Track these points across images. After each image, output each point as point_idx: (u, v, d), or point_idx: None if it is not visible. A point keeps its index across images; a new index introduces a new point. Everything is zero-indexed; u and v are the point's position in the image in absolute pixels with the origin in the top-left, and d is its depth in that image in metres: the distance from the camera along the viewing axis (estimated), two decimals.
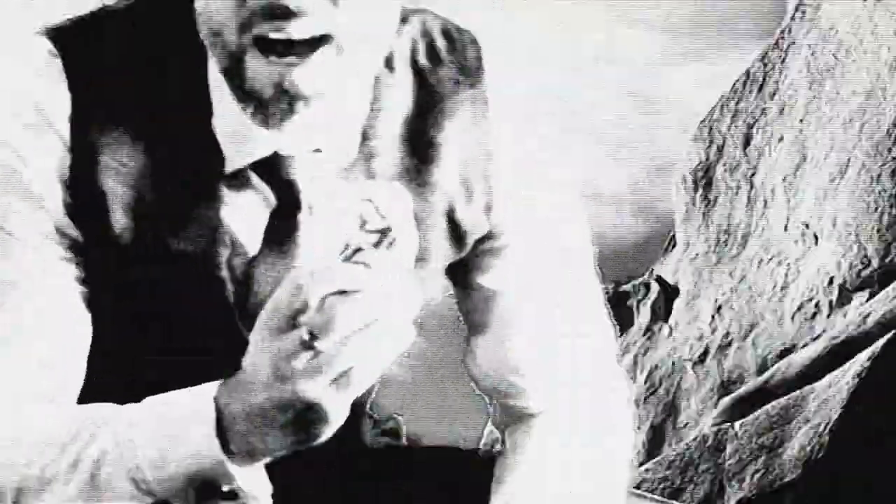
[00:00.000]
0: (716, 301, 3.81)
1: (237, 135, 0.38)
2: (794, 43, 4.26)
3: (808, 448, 2.14)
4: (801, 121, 3.88)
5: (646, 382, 3.69)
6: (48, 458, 0.34)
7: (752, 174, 4.00)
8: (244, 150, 0.38)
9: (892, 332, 2.25)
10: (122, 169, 0.38)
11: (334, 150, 0.39)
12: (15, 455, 0.35)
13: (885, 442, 2.03)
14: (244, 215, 0.39)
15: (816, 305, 3.25)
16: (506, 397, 0.48)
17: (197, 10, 0.36)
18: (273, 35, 0.33)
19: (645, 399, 3.61)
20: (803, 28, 4.24)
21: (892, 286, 2.76)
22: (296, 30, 0.33)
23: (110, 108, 0.38)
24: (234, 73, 0.35)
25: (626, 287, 3.94)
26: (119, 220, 0.38)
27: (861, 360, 2.19)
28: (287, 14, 0.33)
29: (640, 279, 4.01)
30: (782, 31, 4.50)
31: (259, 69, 0.34)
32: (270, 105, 0.35)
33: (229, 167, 0.39)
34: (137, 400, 0.34)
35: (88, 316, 0.39)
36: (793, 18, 4.41)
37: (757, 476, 2.20)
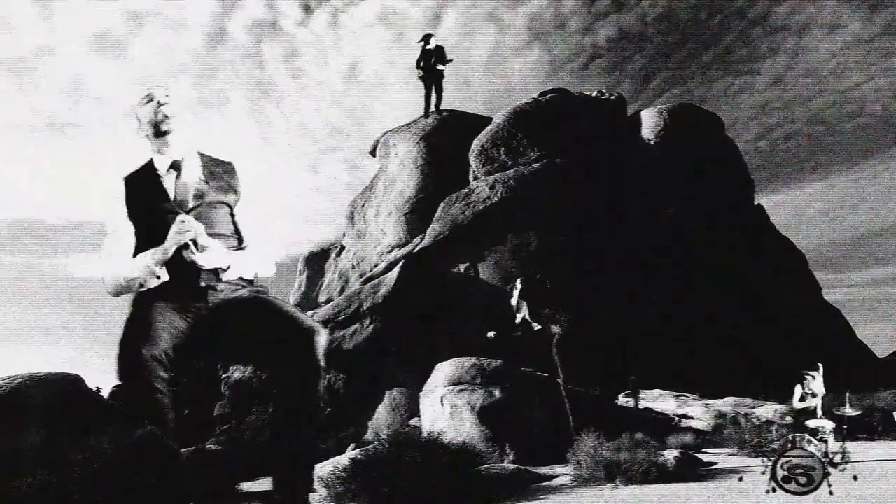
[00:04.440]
0: None
1: (160, 160, 1.94)
2: None
3: None
4: None
5: None
6: (129, 272, 1.81)
7: None
8: (164, 160, 1.93)
9: None
10: (138, 201, 1.89)
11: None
12: (121, 273, 1.81)
13: None
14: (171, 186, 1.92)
15: None
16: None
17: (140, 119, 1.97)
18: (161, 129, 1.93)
19: None
20: None
21: None
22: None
23: (136, 194, 1.91)
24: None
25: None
26: (136, 212, 1.89)
27: None
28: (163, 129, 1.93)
29: None
30: None
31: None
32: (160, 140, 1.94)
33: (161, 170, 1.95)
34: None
35: (133, 230, 1.89)
36: None
37: None
